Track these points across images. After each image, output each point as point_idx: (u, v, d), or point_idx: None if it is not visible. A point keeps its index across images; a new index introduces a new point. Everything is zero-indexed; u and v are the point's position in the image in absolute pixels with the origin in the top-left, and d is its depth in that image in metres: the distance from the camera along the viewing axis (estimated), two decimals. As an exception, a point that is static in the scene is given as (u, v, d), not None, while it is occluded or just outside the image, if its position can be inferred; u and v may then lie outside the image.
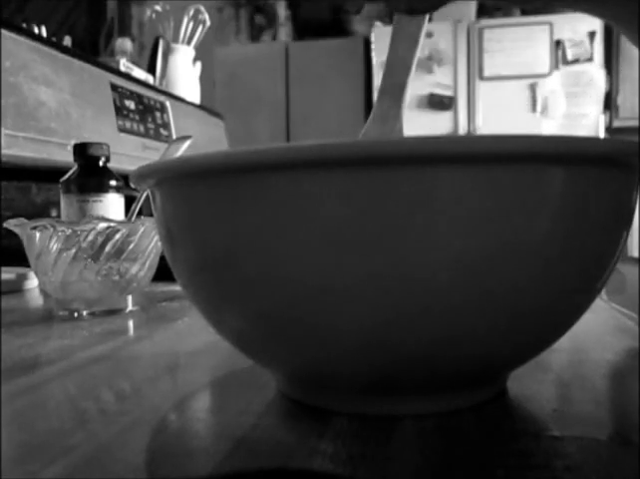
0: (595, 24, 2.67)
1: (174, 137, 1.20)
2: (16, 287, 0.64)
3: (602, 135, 2.69)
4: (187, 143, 0.62)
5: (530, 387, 0.26)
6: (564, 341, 0.26)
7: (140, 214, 0.58)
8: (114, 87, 1.06)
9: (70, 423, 0.23)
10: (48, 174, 0.87)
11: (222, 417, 0.23)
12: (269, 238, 0.20)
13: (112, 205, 0.62)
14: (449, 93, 2.83)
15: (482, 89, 2.81)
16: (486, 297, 0.20)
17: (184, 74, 1.50)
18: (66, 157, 0.86)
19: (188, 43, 1.51)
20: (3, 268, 0.68)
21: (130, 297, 0.49)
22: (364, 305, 0.20)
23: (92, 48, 3.12)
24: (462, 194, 0.19)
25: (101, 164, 0.63)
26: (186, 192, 0.22)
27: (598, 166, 0.20)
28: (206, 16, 1.53)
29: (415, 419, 0.22)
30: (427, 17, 0.31)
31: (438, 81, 2.82)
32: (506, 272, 0.20)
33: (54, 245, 0.46)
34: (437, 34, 2.78)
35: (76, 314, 0.47)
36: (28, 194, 1.04)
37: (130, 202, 0.60)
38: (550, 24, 2.71)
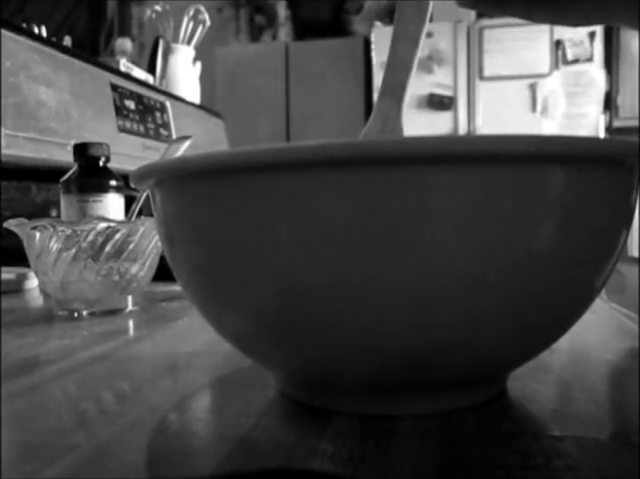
0: (595, 24, 2.67)
1: (174, 137, 1.20)
2: (16, 287, 0.64)
3: (602, 135, 2.69)
4: (187, 143, 0.62)
5: (530, 387, 0.26)
6: (564, 341, 0.26)
7: (140, 214, 0.58)
8: (114, 87, 1.06)
9: (70, 423, 0.23)
10: (48, 174, 0.87)
11: (222, 417, 0.23)
12: (269, 237, 0.20)
13: (112, 205, 0.62)
14: (449, 93, 2.83)
15: (482, 89, 2.81)
16: (486, 298, 0.20)
17: (184, 74, 1.50)
18: (66, 157, 0.86)
19: (188, 43, 1.51)
20: (3, 268, 0.68)
21: (130, 297, 0.49)
22: (364, 306, 0.20)
23: (92, 48, 3.13)
24: (461, 194, 0.19)
25: (101, 164, 0.63)
26: (186, 192, 0.22)
27: (598, 166, 0.20)
28: (206, 16, 1.53)
29: (415, 419, 0.22)
30: (427, 17, 0.31)
31: (438, 81, 2.82)
32: (506, 273, 0.20)
33: (54, 245, 0.46)
34: (437, 34, 2.78)
35: (76, 314, 0.47)
36: (28, 194, 1.04)
37: (130, 202, 0.60)
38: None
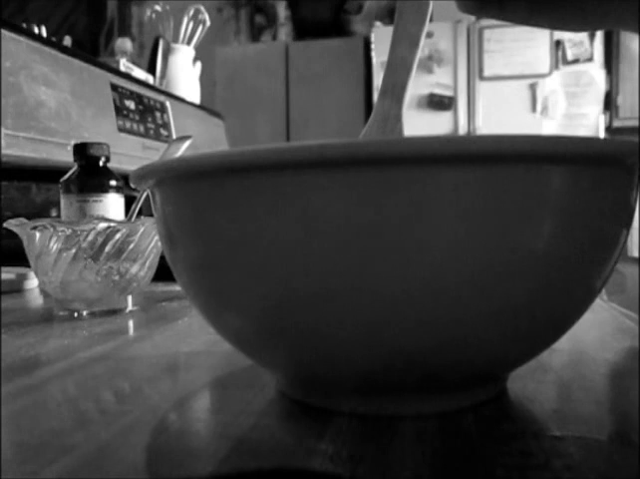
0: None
1: (174, 137, 1.20)
2: (16, 287, 0.64)
3: (602, 135, 2.69)
4: (187, 143, 0.62)
5: (530, 387, 0.26)
6: (564, 341, 0.26)
7: (140, 214, 0.58)
8: (114, 87, 1.06)
9: (70, 423, 0.23)
10: (48, 174, 0.87)
11: (222, 417, 0.23)
12: (269, 238, 0.20)
13: (112, 205, 0.62)
14: (449, 93, 2.83)
15: (483, 89, 2.81)
16: (486, 298, 0.20)
17: (184, 74, 1.50)
18: (66, 157, 0.86)
19: (188, 43, 1.51)
20: (3, 268, 0.68)
21: (130, 297, 0.49)
22: (364, 306, 0.20)
23: (92, 48, 3.13)
24: (461, 194, 0.19)
25: (101, 164, 0.63)
26: (186, 192, 0.22)
27: (598, 166, 0.20)
28: (206, 16, 1.53)
29: (415, 419, 0.22)
30: (428, 17, 0.31)
31: (438, 81, 2.83)
32: (506, 273, 0.20)
33: (54, 245, 0.46)
34: (437, 34, 2.78)
35: (76, 314, 0.47)
36: (28, 194, 1.04)
37: (130, 202, 0.60)
38: (550, 24, 2.71)
